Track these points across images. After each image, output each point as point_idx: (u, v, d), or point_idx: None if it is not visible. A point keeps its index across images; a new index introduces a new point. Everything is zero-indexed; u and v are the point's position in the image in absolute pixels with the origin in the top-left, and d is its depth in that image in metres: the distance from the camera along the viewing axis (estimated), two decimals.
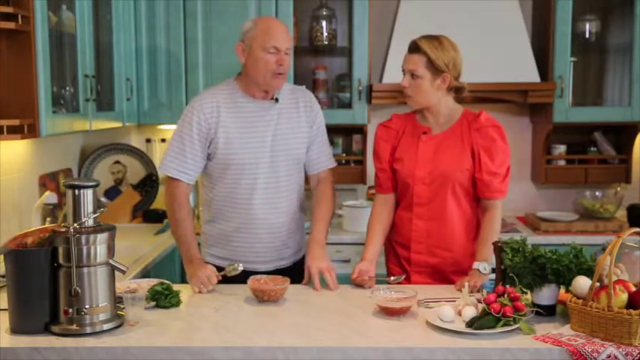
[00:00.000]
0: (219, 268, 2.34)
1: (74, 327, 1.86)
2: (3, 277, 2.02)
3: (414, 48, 2.39)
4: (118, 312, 1.96)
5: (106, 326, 1.88)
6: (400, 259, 2.52)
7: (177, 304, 2.13)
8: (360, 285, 2.33)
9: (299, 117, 2.52)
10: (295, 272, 2.48)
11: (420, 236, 2.45)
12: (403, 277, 2.39)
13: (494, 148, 2.37)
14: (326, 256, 2.43)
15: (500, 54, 3.57)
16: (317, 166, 2.59)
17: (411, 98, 2.42)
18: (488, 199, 2.40)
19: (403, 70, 2.42)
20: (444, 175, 2.39)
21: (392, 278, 2.36)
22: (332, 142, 2.73)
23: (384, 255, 2.62)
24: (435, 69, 2.35)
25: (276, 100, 2.48)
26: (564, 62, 3.64)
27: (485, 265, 2.26)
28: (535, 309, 1.95)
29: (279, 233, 2.51)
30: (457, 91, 2.44)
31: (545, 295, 1.97)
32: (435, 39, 2.38)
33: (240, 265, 2.32)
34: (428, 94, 2.39)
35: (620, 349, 1.72)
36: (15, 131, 2.39)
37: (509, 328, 1.83)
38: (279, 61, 2.37)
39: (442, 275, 2.45)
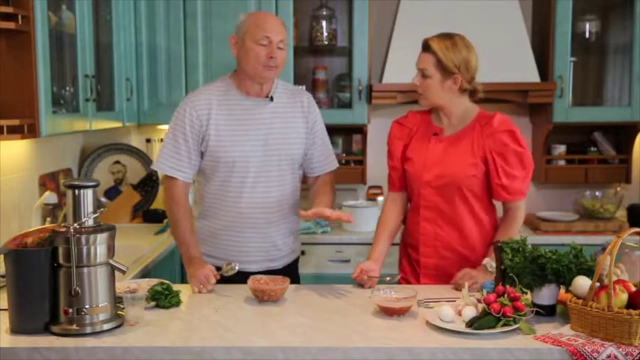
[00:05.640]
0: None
1: (74, 327, 1.85)
2: (3, 277, 2.02)
3: (425, 47, 2.34)
4: (118, 312, 1.95)
5: (106, 326, 1.88)
6: (412, 261, 2.49)
7: (178, 304, 2.12)
8: (360, 284, 2.33)
9: (295, 118, 2.50)
10: (289, 275, 2.46)
11: (427, 239, 2.41)
12: (399, 276, 2.38)
13: (508, 152, 2.31)
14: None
15: (500, 54, 3.56)
16: (318, 169, 2.58)
17: (422, 96, 2.38)
18: (509, 201, 2.37)
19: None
20: (451, 180, 2.34)
21: (387, 278, 2.35)
22: (332, 142, 2.69)
23: (397, 255, 2.60)
24: (444, 70, 2.30)
25: (271, 98, 2.47)
26: (564, 62, 3.64)
27: (493, 263, 2.18)
28: (535, 309, 1.95)
29: (267, 233, 2.49)
30: (470, 94, 2.38)
31: (545, 295, 1.97)
32: (448, 38, 2.32)
33: (237, 264, 2.31)
34: (438, 95, 2.34)
35: (620, 349, 1.72)
36: (15, 131, 2.39)
37: (509, 328, 1.83)
38: (270, 54, 2.34)
39: (451, 278, 2.36)
